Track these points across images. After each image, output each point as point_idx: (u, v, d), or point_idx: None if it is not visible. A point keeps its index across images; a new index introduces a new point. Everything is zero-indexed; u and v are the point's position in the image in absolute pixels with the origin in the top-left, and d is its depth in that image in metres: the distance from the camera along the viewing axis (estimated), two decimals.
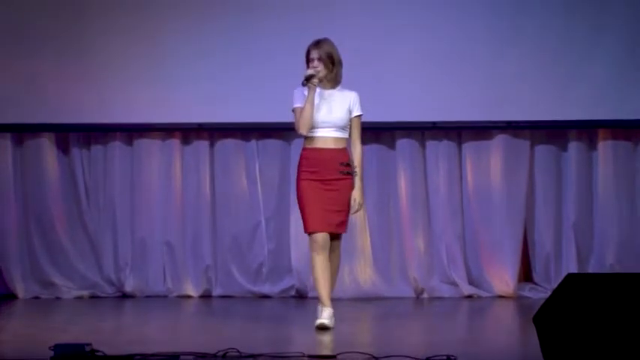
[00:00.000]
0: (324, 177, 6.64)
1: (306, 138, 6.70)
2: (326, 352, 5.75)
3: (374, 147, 8.59)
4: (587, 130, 8.61)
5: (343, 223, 6.72)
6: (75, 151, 8.84)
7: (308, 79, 6.60)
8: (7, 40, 8.61)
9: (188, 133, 8.77)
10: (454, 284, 8.58)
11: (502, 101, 8.43)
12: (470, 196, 8.65)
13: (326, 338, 6.34)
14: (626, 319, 4.87)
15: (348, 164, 6.68)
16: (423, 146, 8.69)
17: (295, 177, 6.79)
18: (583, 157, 8.62)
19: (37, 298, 8.72)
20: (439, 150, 8.67)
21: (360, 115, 6.74)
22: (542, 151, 8.66)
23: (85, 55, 8.57)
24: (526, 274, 8.74)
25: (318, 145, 6.68)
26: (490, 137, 8.63)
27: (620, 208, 8.58)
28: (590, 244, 8.63)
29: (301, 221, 6.76)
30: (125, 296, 8.75)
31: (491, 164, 8.63)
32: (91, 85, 8.57)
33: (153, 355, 5.47)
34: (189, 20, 8.53)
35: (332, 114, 6.67)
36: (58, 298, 8.68)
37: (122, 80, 8.57)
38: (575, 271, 8.35)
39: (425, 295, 8.61)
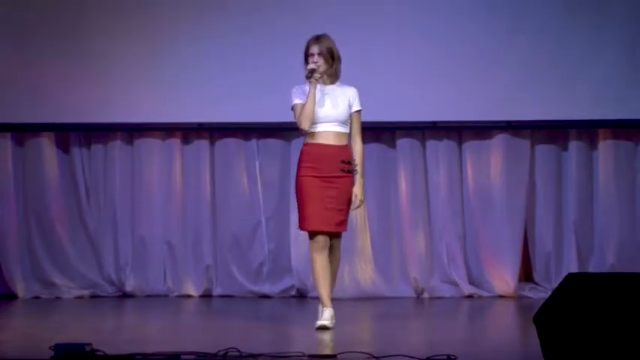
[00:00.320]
0: (325, 174, 6.62)
1: (308, 133, 6.69)
2: (326, 351, 5.75)
3: (374, 146, 8.59)
4: (588, 130, 8.61)
5: (343, 222, 6.70)
6: (75, 151, 8.84)
7: (312, 73, 6.60)
8: (7, 40, 8.61)
9: (188, 132, 8.77)
10: (454, 284, 8.58)
11: (502, 101, 8.43)
12: (470, 196, 8.65)
13: (326, 338, 6.34)
14: (627, 318, 4.87)
15: (350, 162, 6.67)
16: (424, 146, 8.69)
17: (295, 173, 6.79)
18: (583, 157, 8.62)
19: (37, 297, 8.72)
20: (439, 149, 8.67)
21: (359, 110, 6.73)
22: (543, 150, 8.66)
23: (86, 54, 8.57)
24: (526, 274, 8.74)
25: (320, 140, 6.67)
26: (490, 137, 8.63)
27: (621, 208, 8.58)
28: (591, 243, 8.63)
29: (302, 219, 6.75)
30: (125, 296, 8.75)
31: (491, 164, 8.64)
32: (92, 85, 8.57)
33: (153, 354, 5.47)
34: (189, 20, 8.53)
35: (333, 108, 6.65)
36: (58, 298, 8.69)
37: (122, 80, 8.57)
38: (576, 270, 8.34)
39: (425, 295, 8.62)
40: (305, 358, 5.46)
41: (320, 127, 6.66)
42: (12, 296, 8.73)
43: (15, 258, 8.76)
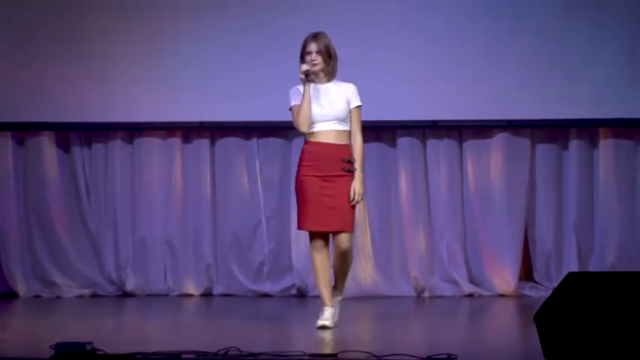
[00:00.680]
0: (324, 172, 6.60)
1: (308, 132, 6.68)
2: (327, 350, 5.75)
3: (375, 145, 8.59)
4: (588, 129, 8.61)
5: (344, 222, 6.61)
6: (76, 150, 8.84)
7: (307, 75, 6.59)
8: (8, 39, 8.62)
9: (189, 131, 8.77)
10: (455, 283, 8.58)
11: (503, 100, 8.43)
12: (470, 195, 8.65)
13: (327, 337, 6.34)
14: (627, 317, 4.87)
15: (350, 161, 6.65)
16: (424, 145, 8.69)
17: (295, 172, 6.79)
18: (584, 156, 8.62)
19: (37, 296, 8.72)
20: (440, 149, 8.67)
21: (359, 106, 6.70)
22: (543, 149, 8.66)
23: (86, 54, 8.58)
24: (527, 273, 8.74)
25: (320, 139, 6.65)
26: (491, 136, 8.63)
27: (621, 207, 8.58)
28: (591, 242, 8.63)
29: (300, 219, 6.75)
30: (126, 295, 8.75)
31: (491, 163, 8.64)
32: (92, 84, 8.58)
33: (153, 353, 5.47)
34: (190, 20, 8.53)
35: (331, 106, 6.63)
36: (58, 297, 8.69)
37: (123, 79, 8.58)
38: (576, 269, 8.34)
39: (425, 294, 8.62)
40: (305, 357, 5.46)
41: (319, 126, 6.65)
42: (12, 295, 8.73)
43: (15, 257, 8.76)
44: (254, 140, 8.75)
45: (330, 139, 6.65)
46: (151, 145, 8.80)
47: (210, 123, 8.64)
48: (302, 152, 6.72)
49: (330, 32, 6.78)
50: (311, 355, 5.50)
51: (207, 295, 8.73)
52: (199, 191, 8.78)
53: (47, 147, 8.82)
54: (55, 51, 8.59)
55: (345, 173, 6.63)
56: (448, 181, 8.67)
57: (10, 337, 6.61)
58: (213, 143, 8.80)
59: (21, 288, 8.75)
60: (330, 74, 6.71)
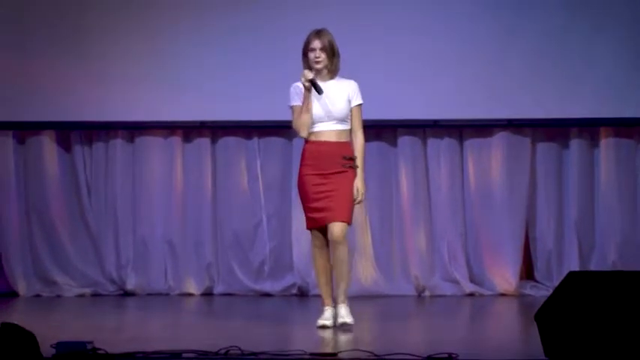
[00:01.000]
0: (324, 170, 6.60)
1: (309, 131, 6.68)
2: (327, 350, 5.76)
3: (375, 144, 8.58)
4: (589, 128, 8.60)
5: (338, 211, 6.51)
6: (76, 149, 8.84)
7: (310, 82, 6.54)
8: (8, 38, 8.61)
9: (190, 130, 8.77)
10: (455, 282, 8.58)
11: (503, 99, 8.42)
12: (471, 194, 8.65)
13: (327, 336, 6.34)
14: (628, 316, 4.87)
15: (351, 158, 6.64)
16: (425, 144, 8.69)
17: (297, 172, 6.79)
18: (585, 155, 8.62)
19: (38, 296, 8.72)
20: (440, 148, 8.67)
21: (360, 105, 6.70)
22: (544, 148, 8.65)
23: (87, 53, 8.57)
24: (528, 272, 8.73)
25: (321, 138, 6.64)
26: (491, 135, 8.63)
27: (622, 206, 8.58)
28: (592, 241, 8.62)
29: (303, 219, 6.79)
30: (127, 294, 8.75)
31: (492, 162, 8.63)
32: (93, 83, 8.57)
33: (154, 353, 5.47)
34: (190, 18, 8.53)
35: (332, 106, 6.61)
36: (59, 296, 8.69)
37: (124, 78, 8.57)
38: (577, 268, 8.34)
39: (426, 293, 8.61)
40: (306, 356, 5.46)
41: (320, 126, 6.65)
42: (13, 294, 8.73)
43: (16, 256, 8.76)
44: (255, 139, 8.75)
45: (331, 138, 6.64)
46: (151, 144, 8.80)
47: (211, 122, 8.63)
48: (303, 152, 6.72)
49: (331, 31, 6.77)
50: (311, 354, 5.50)
51: (207, 294, 8.72)
52: (200, 190, 8.77)
53: (48, 146, 8.82)
54: (56, 50, 8.59)
55: (345, 170, 6.63)
56: (449, 180, 8.67)
57: None
58: (214, 142, 8.80)
59: (21, 287, 8.75)
60: (332, 72, 6.70)
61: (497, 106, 8.44)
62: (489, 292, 8.56)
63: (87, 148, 8.87)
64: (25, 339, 4.72)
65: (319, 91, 6.57)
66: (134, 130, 8.79)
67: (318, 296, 6.82)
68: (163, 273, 8.77)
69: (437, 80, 8.41)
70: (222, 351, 5.49)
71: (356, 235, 8.54)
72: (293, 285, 8.69)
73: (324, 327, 6.57)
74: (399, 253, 8.67)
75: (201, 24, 8.51)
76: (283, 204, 8.70)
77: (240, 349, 5.51)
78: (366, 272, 8.64)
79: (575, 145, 8.61)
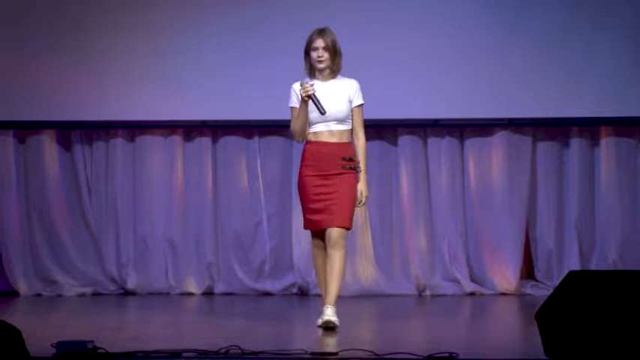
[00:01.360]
0: (324, 171, 6.58)
1: (309, 133, 6.67)
2: (328, 349, 5.75)
3: (376, 144, 8.59)
4: (590, 127, 8.61)
5: (337, 216, 6.51)
6: (77, 148, 8.84)
7: (309, 97, 6.50)
8: (9, 38, 8.61)
9: (190, 130, 8.77)
10: (456, 281, 8.58)
11: (504, 98, 8.42)
12: (472, 193, 8.65)
13: (328, 335, 6.33)
14: (628, 315, 4.87)
15: (352, 159, 6.63)
16: (425, 143, 8.69)
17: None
18: (585, 154, 8.62)
19: (38, 295, 8.72)
20: (441, 147, 8.67)
21: (361, 105, 6.67)
22: (545, 148, 8.65)
23: (88, 52, 8.57)
24: (528, 271, 8.74)
25: (321, 138, 6.62)
26: (492, 134, 8.63)
27: (623, 205, 8.58)
28: (592, 241, 8.63)
29: (302, 218, 6.78)
30: (127, 293, 8.75)
31: (493, 161, 8.63)
32: (93, 83, 8.58)
33: (155, 352, 5.47)
34: (191, 18, 8.53)
35: (332, 107, 6.57)
36: (59, 296, 8.69)
37: (124, 77, 8.58)
38: (578, 268, 8.35)
39: (427, 293, 8.61)
40: (306, 355, 5.46)
41: (320, 127, 6.63)
42: (14, 294, 8.73)
43: (17, 256, 8.76)
44: (255, 139, 8.75)
45: (330, 139, 6.62)
46: (152, 143, 8.80)
47: (212, 121, 8.64)
48: (303, 152, 6.71)
49: (332, 29, 6.76)
50: (312, 353, 5.50)
51: (208, 293, 8.73)
52: (200, 190, 8.77)
53: (48, 145, 8.82)
54: (56, 50, 8.59)
55: (345, 171, 6.61)
56: (449, 179, 8.67)
57: None
58: (214, 142, 8.80)
59: (22, 286, 8.75)
60: (334, 71, 6.68)
61: (497, 105, 8.44)
62: (490, 292, 8.56)
63: (87, 148, 8.87)
64: (10, 334, 4.70)
65: (322, 111, 6.50)
66: (134, 129, 8.79)
67: (319, 295, 6.81)
68: (164, 272, 8.78)
69: (437, 79, 8.41)
70: (223, 350, 5.49)
71: (356, 235, 8.54)
72: (293, 284, 8.69)
73: (324, 326, 6.55)
74: (399, 252, 8.67)
75: (201, 23, 8.52)
76: (284, 203, 8.70)
77: (240, 348, 5.51)
78: (367, 272, 8.64)
79: (576, 144, 8.61)
